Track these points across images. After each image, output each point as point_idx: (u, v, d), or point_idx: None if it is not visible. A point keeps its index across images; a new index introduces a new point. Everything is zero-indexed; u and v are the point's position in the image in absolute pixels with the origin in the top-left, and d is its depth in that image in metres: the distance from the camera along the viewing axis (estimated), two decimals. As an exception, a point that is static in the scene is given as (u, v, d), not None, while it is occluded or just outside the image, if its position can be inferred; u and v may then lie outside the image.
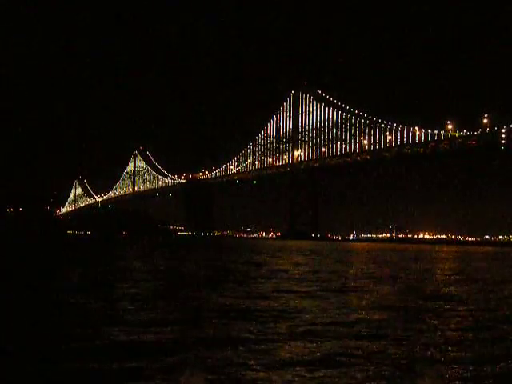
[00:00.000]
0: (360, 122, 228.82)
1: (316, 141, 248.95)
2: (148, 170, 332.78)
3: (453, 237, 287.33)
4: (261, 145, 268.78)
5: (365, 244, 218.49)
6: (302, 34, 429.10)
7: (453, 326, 18.45)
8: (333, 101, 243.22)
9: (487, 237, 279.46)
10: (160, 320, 18.16)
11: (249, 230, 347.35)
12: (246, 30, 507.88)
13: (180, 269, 43.26)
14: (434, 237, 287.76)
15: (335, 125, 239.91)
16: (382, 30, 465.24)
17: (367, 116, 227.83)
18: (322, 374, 12.00)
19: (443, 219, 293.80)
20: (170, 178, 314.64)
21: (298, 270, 45.30)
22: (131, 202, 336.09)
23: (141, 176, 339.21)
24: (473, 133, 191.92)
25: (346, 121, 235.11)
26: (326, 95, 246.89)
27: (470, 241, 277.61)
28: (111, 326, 16.88)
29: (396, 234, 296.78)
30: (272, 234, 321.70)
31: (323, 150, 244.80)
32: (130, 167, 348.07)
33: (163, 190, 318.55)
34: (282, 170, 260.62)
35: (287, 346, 14.56)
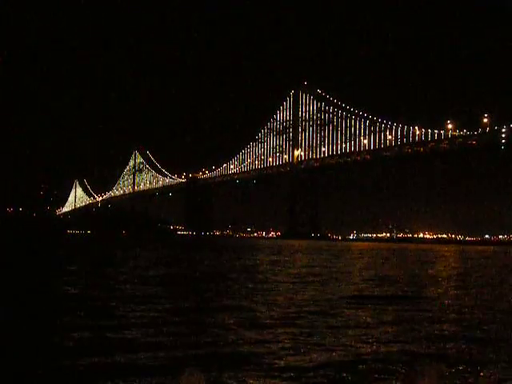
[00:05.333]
0: (360, 122, 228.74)
1: (316, 140, 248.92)
2: (148, 169, 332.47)
3: (453, 236, 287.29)
4: (261, 144, 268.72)
5: (366, 244, 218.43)
6: (303, 33, 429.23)
7: (452, 324, 18.47)
8: (333, 100, 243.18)
9: (487, 236, 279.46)
10: (167, 321, 18.18)
11: (249, 229, 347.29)
12: (246, 29, 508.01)
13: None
14: (434, 236, 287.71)
15: (335, 124, 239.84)
16: (382, 29, 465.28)
17: (367, 116, 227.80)
18: (320, 378, 12.01)
19: (443, 219, 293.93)
20: (170, 178, 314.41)
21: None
22: (131, 201, 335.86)
23: (141, 176, 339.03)
24: (473, 133, 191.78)
25: (346, 120, 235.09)
26: (326, 95, 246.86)
27: (470, 240, 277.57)
28: (111, 325, 16.89)
29: (396, 234, 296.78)
30: (272, 234, 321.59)
31: (323, 149, 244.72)
32: (130, 167, 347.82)
33: (163, 190, 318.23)
34: (282, 169, 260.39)
35: (292, 348, 14.57)
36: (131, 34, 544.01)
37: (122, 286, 29.01)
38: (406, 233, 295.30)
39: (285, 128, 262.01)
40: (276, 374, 11.92)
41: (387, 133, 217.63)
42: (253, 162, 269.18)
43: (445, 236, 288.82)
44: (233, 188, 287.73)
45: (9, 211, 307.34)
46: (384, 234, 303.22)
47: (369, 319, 19.36)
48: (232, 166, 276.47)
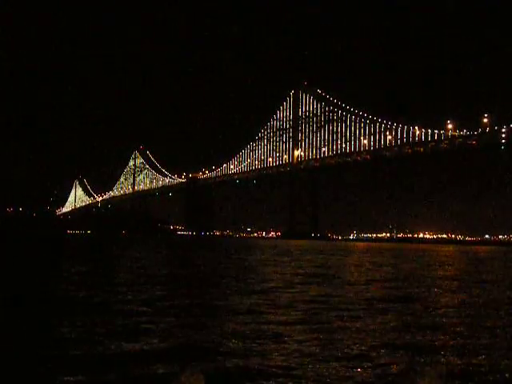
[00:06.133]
0: (360, 122, 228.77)
1: (316, 140, 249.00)
2: (148, 169, 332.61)
3: (453, 236, 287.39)
4: (261, 144, 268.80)
5: (366, 244, 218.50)
6: (303, 33, 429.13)
7: (452, 324, 18.45)
8: (333, 100, 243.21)
9: (487, 236, 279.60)
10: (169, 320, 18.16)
11: (249, 229, 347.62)
12: (246, 29, 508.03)
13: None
14: (434, 236, 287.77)
15: (335, 124, 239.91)
16: (383, 29, 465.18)
17: (367, 116, 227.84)
18: (320, 372, 11.99)
19: (443, 219, 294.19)
20: (170, 178, 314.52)
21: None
22: (131, 201, 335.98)
23: (141, 176, 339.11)
24: (473, 133, 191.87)
25: (346, 120, 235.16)
26: (326, 95, 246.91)
27: (470, 240, 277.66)
28: (111, 326, 16.86)
29: (396, 234, 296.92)
30: (272, 234, 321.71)
31: (323, 149, 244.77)
32: (130, 167, 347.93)
33: (163, 190, 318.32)
34: (282, 169, 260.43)
35: (290, 348, 14.56)
36: (131, 34, 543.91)
37: (122, 286, 28.98)
38: (406, 233, 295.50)
39: (285, 128, 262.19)
40: (277, 374, 11.91)
41: (387, 133, 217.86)
42: (253, 162, 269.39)
43: (445, 236, 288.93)
44: (233, 188, 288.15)
45: (9, 211, 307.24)
46: (384, 234, 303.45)
47: (370, 319, 19.35)
48: (232, 166, 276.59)
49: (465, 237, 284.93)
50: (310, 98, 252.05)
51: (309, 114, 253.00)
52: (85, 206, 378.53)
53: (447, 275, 44.55)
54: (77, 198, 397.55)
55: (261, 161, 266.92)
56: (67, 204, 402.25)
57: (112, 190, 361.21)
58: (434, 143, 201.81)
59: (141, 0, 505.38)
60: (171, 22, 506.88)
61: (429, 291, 30.16)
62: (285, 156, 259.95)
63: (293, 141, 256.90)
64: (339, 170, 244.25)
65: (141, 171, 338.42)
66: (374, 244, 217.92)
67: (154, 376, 11.58)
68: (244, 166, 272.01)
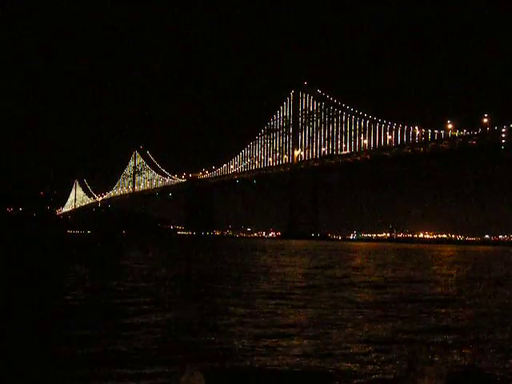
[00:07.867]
0: (360, 122, 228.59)
1: (316, 140, 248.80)
2: (148, 169, 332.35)
3: (453, 236, 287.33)
4: (261, 144, 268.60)
5: (366, 244, 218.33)
6: (303, 33, 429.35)
7: (452, 325, 18.45)
8: (333, 100, 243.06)
9: (487, 236, 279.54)
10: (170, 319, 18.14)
11: (249, 229, 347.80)
12: (247, 29, 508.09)
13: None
14: (434, 236, 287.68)
15: (335, 124, 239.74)
16: (383, 29, 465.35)
17: (367, 116, 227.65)
18: (319, 378, 11.98)
19: (443, 219, 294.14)
20: (170, 178, 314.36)
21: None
22: (131, 201, 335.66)
23: (141, 176, 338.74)
24: (473, 133, 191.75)
25: (346, 120, 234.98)
26: (326, 95, 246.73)
27: (470, 240, 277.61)
28: (109, 325, 16.86)
29: (396, 234, 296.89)
30: (272, 234, 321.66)
31: (323, 149, 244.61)
32: (130, 167, 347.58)
33: (163, 190, 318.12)
34: (282, 169, 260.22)
35: (293, 344, 14.54)
36: (131, 34, 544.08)
37: (122, 287, 28.96)
38: (406, 233, 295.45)
39: (285, 128, 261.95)
40: (276, 374, 11.91)
41: (387, 133, 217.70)
42: (253, 162, 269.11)
43: (445, 236, 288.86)
44: (233, 188, 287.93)
45: (9, 211, 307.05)
46: (384, 234, 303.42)
47: (372, 318, 19.35)
48: (232, 166, 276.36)
49: (465, 237, 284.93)
50: (309, 98, 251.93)
51: (309, 114, 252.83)
52: (85, 205, 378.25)
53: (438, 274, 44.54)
54: (77, 197, 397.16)
55: (261, 161, 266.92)
56: (67, 204, 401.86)
57: (112, 190, 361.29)
58: (434, 143, 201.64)
59: (141, 0, 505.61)
60: (171, 22, 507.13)
61: (425, 291, 30.16)
62: (285, 156, 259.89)
63: (293, 141, 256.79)
64: (339, 170, 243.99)
65: (141, 171, 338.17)
66: (374, 244, 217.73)
67: (154, 376, 11.58)
68: (244, 166, 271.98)
